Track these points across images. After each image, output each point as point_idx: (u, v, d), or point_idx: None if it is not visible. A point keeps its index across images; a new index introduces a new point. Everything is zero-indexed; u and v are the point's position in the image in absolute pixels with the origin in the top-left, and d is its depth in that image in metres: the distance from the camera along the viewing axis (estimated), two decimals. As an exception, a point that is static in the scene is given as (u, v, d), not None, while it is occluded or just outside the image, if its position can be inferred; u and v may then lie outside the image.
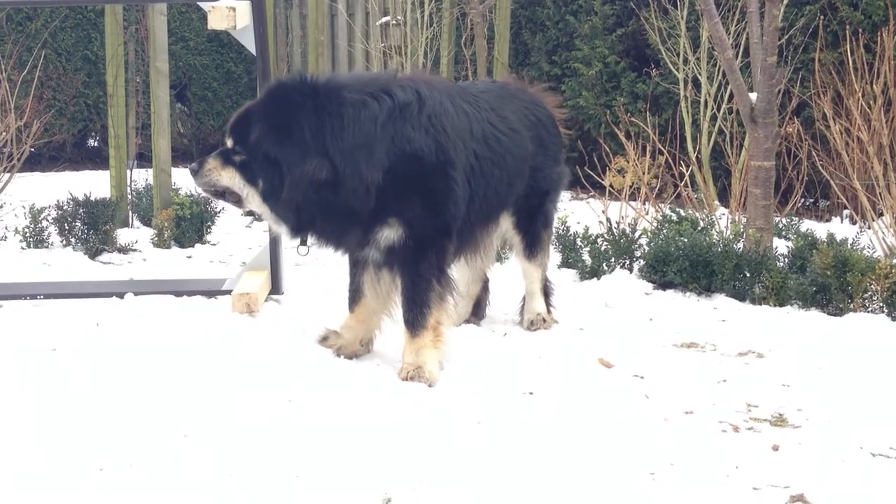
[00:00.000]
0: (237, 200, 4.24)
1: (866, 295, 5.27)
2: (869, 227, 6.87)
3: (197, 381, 3.82)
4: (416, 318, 4.19)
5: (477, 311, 5.18)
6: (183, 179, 8.73)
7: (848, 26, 7.86)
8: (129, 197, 7.99)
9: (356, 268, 4.47)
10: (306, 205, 4.05)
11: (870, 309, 5.27)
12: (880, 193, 6.80)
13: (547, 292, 5.16)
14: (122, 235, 7.19)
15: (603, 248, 6.21)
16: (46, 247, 6.92)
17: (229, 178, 4.17)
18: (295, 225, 4.16)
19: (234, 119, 4.21)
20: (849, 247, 5.61)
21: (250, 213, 8.47)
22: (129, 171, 7.99)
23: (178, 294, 5.35)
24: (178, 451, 3.21)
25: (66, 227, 6.95)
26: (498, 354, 4.50)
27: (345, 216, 4.10)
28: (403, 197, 4.12)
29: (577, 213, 8.09)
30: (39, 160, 11.66)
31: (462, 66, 10.40)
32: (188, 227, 7.38)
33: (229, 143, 4.19)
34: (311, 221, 4.15)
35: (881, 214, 6.95)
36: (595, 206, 7.70)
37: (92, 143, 13.07)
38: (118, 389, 3.73)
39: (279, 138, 4.02)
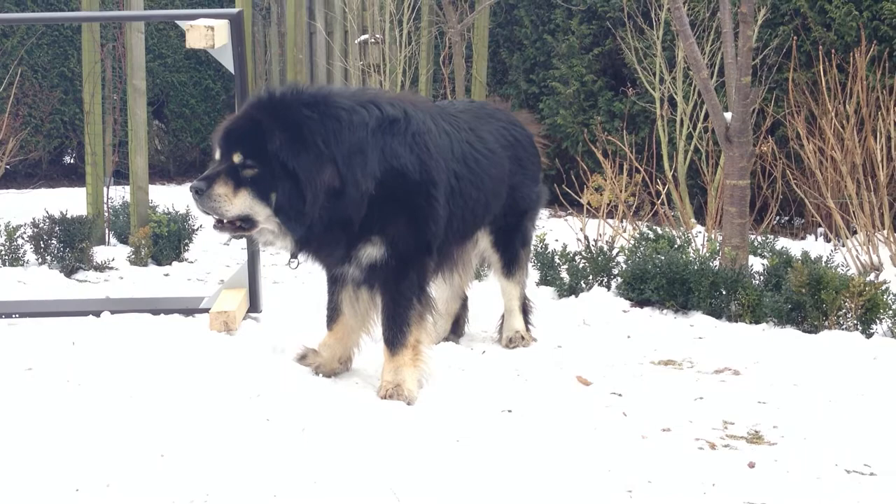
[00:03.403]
0: (243, 222, 3.98)
1: (840, 312, 5.33)
2: (843, 245, 6.94)
3: (174, 400, 3.81)
4: (395, 337, 4.20)
5: (456, 329, 5.19)
6: (160, 197, 8.72)
7: (821, 47, 7.95)
8: (106, 214, 7.95)
9: (334, 285, 4.46)
10: (318, 215, 3.93)
11: (844, 326, 5.32)
12: (853, 212, 6.88)
13: (525, 310, 5.18)
14: (99, 253, 7.15)
15: (581, 265, 6.23)
16: (22, 265, 6.86)
17: (241, 202, 3.92)
18: (304, 237, 4.01)
19: (234, 132, 3.98)
20: (823, 264, 5.65)
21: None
22: (105, 189, 7.96)
23: (156, 312, 5.33)
24: (155, 471, 3.20)
25: (42, 245, 6.90)
26: (477, 372, 4.52)
27: (339, 228, 4.03)
28: (387, 214, 4.11)
29: (555, 230, 8.12)
30: (15, 177, 11.59)
31: (440, 84, 10.44)
32: (165, 244, 7.35)
33: (237, 158, 3.93)
34: (315, 233, 4.00)
35: (855, 232, 7.02)
36: (573, 223, 7.74)
37: (68, 160, 13.00)
38: (95, 409, 3.71)
39: (297, 148, 3.88)
